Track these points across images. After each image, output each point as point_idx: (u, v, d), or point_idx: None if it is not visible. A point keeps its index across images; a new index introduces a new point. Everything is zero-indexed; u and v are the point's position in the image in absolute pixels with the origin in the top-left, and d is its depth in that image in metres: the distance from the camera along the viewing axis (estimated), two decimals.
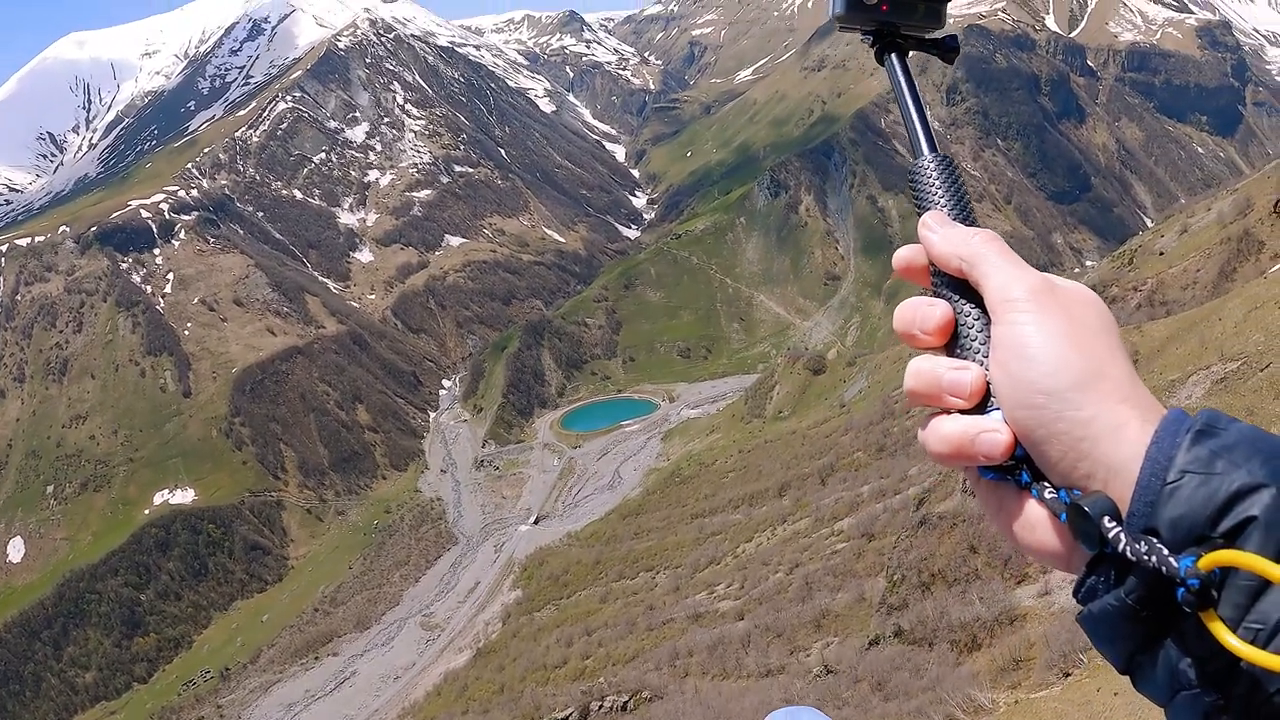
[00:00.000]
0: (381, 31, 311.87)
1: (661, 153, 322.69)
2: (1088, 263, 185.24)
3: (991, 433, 1.54)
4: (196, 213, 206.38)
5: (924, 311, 1.71)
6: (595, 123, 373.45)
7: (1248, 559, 1.22)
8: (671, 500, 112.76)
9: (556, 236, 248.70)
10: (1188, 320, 48.44)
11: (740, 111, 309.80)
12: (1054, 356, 1.50)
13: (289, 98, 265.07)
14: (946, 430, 1.59)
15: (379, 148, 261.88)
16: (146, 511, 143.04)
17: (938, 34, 2.09)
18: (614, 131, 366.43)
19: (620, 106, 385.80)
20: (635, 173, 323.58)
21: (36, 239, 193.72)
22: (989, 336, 1.62)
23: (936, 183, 1.84)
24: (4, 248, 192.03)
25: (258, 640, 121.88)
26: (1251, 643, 1.21)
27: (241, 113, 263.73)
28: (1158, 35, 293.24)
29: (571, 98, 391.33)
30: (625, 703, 48.88)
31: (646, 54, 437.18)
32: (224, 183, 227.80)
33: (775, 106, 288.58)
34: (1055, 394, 1.48)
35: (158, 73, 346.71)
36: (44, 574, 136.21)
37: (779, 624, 53.42)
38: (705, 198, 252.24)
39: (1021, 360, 1.53)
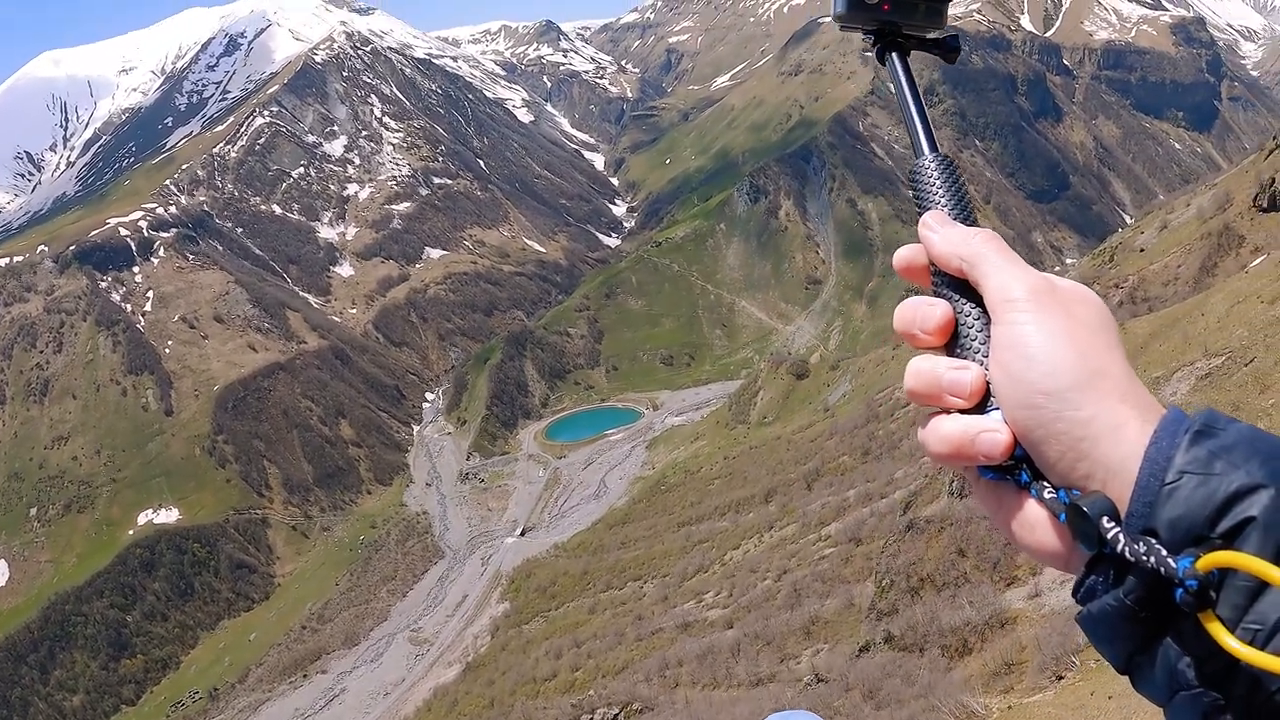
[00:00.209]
0: (358, 44, 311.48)
1: (640, 160, 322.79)
2: (1068, 260, 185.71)
3: (991, 432, 1.54)
4: (175, 230, 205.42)
5: (924, 311, 1.70)
6: (574, 132, 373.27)
7: (1246, 560, 1.22)
8: (658, 509, 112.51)
9: (537, 247, 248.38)
10: (1170, 316, 48.38)
11: (718, 118, 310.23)
12: (1053, 356, 1.50)
13: (266, 112, 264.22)
14: (946, 430, 1.59)
15: (357, 161, 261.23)
16: (131, 532, 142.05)
17: (939, 34, 2.08)
18: (593, 140, 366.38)
19: (598, 115, 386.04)
20: (614, 181, 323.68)
21: (15, 259, 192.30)
22: (989, 336, 1.62)
23: (937, 183, 1.82)
24: None
25: (246, 659, 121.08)
26: (1250, 643, 1.21)
27: (219, 128, 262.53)
28: (1132, 33, 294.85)
29: (550, 107, 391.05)
30: (616, 715, 48.59)
31: (624, 62, 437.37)
32: (202, 199, 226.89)
33: (753, 112, 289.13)
34: (1055, 394, 1.48)
35: (135, 89, 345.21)
36: (29, 597, 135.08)
37: (768, 632, 53.19)
38: (685, 204, 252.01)
39: (1021, 360, 1.53)
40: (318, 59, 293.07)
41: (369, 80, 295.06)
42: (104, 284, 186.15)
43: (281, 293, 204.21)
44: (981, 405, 1.59)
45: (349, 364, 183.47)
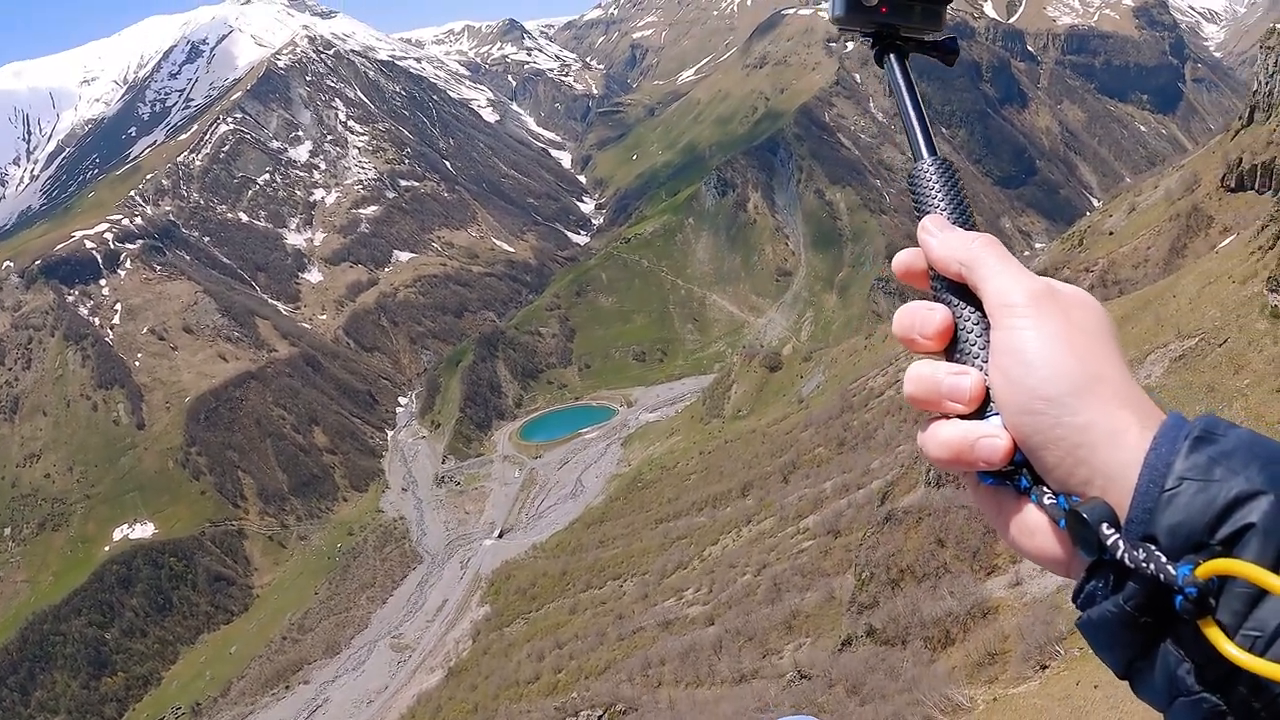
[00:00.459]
0: (321, 48, 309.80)
1: (607, 157, 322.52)
2: (1037, 245, 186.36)
3: (990, 438, 1.54)
4: (141, 241, 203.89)
5: (923, 316, 1.70)
6: (540, 130, 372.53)
7: (1245, 568, 1.22)
8: (635, 506, 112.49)
9: (506, 246, 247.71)
10: (1142, 299, 48.44)
11: (684, 112, 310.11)
12: (1052, 362, 1.50)
13: (230, 119, 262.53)
14: (945, 435, 1.59)
15: (323, 166, 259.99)
16: (106, 548, 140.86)
17: (937, 36, 2.07)
18: (559, 138, 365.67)
19: (564, 113, 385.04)
20: (582, 178, 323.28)
21: None
22: (988, 341, 1.62)
23: (936, 186, 1.82)
24: None
25: (227, 673, 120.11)
26: (1249, 649, 1.22)
27: (183, 137, 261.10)
28: (1095, 17, 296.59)
29: (515, 106, 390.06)
30: (600, 717, 48.38)
31: (588, 59, 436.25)
32: (168, 209, 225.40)
33: (719, 105, 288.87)
34: (1054, 399, 1.48)
35: (97, 100, 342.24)
36: (6, 618, 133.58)
37: (749, 627, 53.06)
38: (653, 200, 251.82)
39: (1020, 365, 1.53)
40: (280, 64, 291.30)
41: (333, 84, 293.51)
42: (71, 298, 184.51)
43: (250, 301, 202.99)
44: (981, 410, 1.59)
45: (320, 371, 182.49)
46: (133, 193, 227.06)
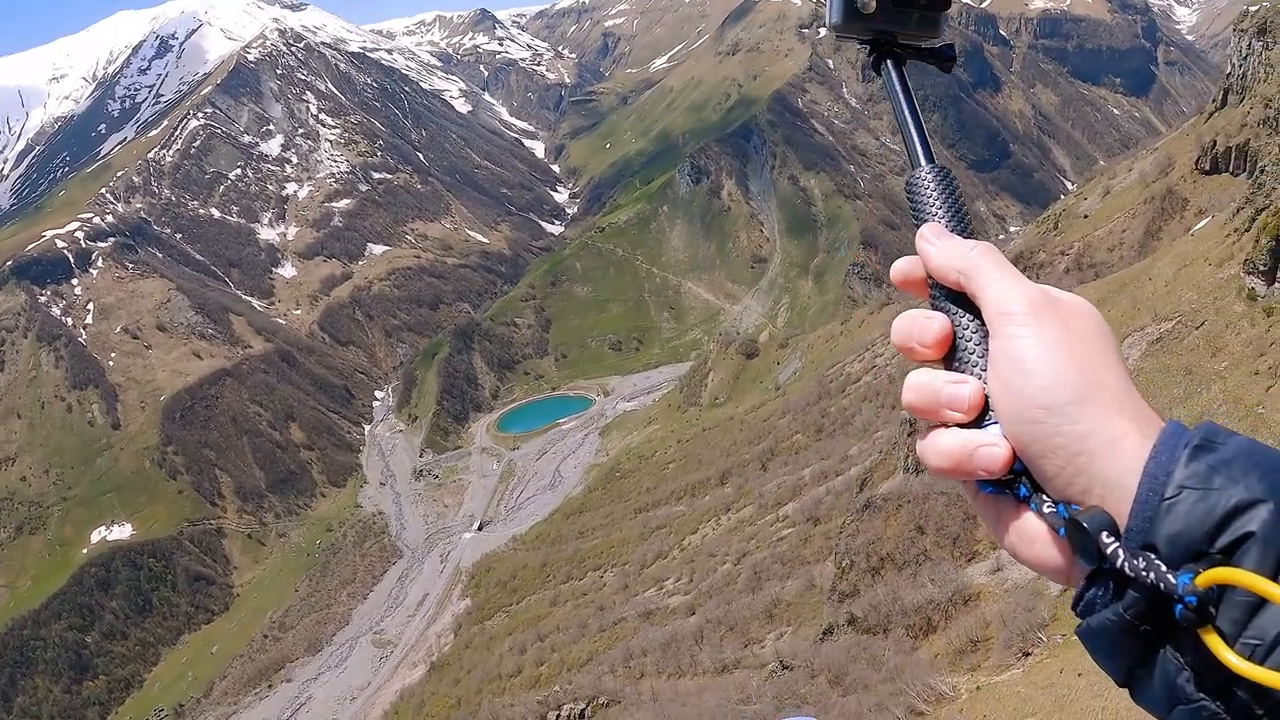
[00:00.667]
0: (291, 41, 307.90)
1: (581, 146, 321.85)
2: (1011, 229, 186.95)
3: (989, 447, 1.54)
4: (113, 239, 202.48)
5: (922, 324, 1.71)
6: (513, 120, 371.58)
7: (1244, 577, 1.23)
8: (614, 496, 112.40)
9: (480, 238, 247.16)
10: (1118, 281, 48.41)
11: (657, 100, 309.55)
12: (1051, 370, 1.51)
13: (201, 114, 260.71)
14: (944, 444, 1.59)
15: (295, 159, 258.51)
16: (85, 551, 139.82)
17: (934, 43, 2.08)
18: (532, 128, 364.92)
19: (537, 102, 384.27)
20: (555, 168, 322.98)
21: None
22: (987, 349, 1.63)
23: (934, 195, 1.82)
24: None
25: (209, 673, 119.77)
26: (1249, 658, 1.23)
27: (153, 133, 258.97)
28: (1068, 1, 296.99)
29: (487, 96, 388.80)
30: (582, 710, 48.22)
31: (560, 48, 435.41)
32: (139, 206, 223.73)
33: (692, 92, 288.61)
34: (1052, 408, 1.48)
35: (66, 97, 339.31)
36: None
37: (730, 616, 52.95)
38: (627, 188, 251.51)
39: (1019, 374, 1.54)
40: (251, 57, 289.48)
41: (303, 77, 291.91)
42: (43, 298, 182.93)
43: (224, 297, 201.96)
44: (980, 419, 1.60)
45: (296, 366, 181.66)
46: (104, 190, 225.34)
